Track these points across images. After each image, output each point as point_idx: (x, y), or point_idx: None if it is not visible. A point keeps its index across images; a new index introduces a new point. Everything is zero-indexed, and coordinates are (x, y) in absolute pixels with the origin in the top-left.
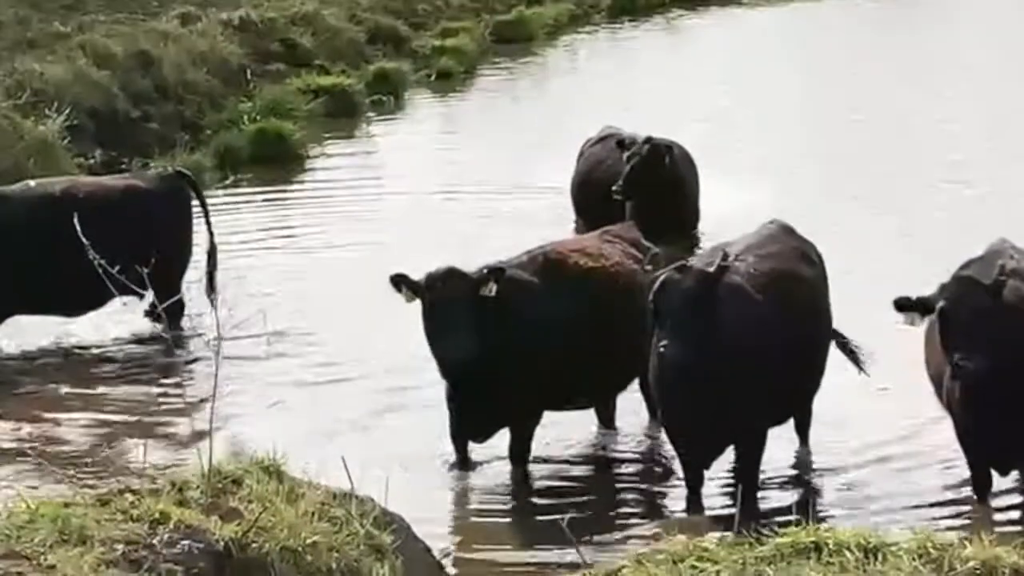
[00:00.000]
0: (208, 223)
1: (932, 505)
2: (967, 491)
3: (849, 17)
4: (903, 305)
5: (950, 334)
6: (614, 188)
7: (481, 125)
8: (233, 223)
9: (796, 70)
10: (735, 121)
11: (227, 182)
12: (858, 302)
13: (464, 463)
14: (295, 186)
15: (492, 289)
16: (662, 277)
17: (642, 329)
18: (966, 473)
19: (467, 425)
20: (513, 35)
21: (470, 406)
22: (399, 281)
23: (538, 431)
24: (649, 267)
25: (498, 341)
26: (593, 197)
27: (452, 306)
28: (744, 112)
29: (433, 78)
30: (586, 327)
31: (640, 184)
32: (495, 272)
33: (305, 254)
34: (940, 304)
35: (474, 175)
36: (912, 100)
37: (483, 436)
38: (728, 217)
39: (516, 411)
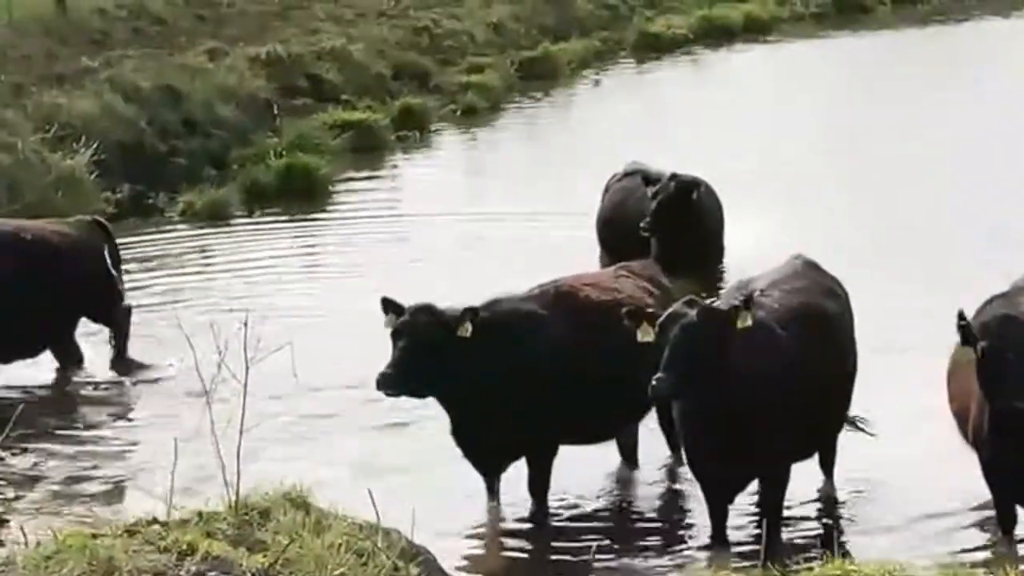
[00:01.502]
0: (119, 274)
1: (958, 539)
2: (993, 526)
3: (877, 51)
4: (961, 320)
5: (993, 373)
6: (642, 225)
7: (506, 161)
8: (260, 257)
9: (824, 105)
10: (761, 156)
11: (254, 216)
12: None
13: (491, 495)
14: (321, 221)
15: (468, 329)
16: (669, 311)
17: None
18: (992, 508)
19: (471, 458)
20: (539, 71)
21: (470, 440)
22: (385, 304)
23: (560, 465)
24: (628, 322)
25: (495, 374)
26: (618, 232)
27: (409, 337)
28: (770, 147)
29: (459, 113)
30: (594, 360)
31: (667, 220)
32: (470, 312)
33: (331, 287)
34: (982, 344)
35: (499, 210)
36: (942, 137)
37: (490, 470)
38: (753, 252)
39: (527, 445)
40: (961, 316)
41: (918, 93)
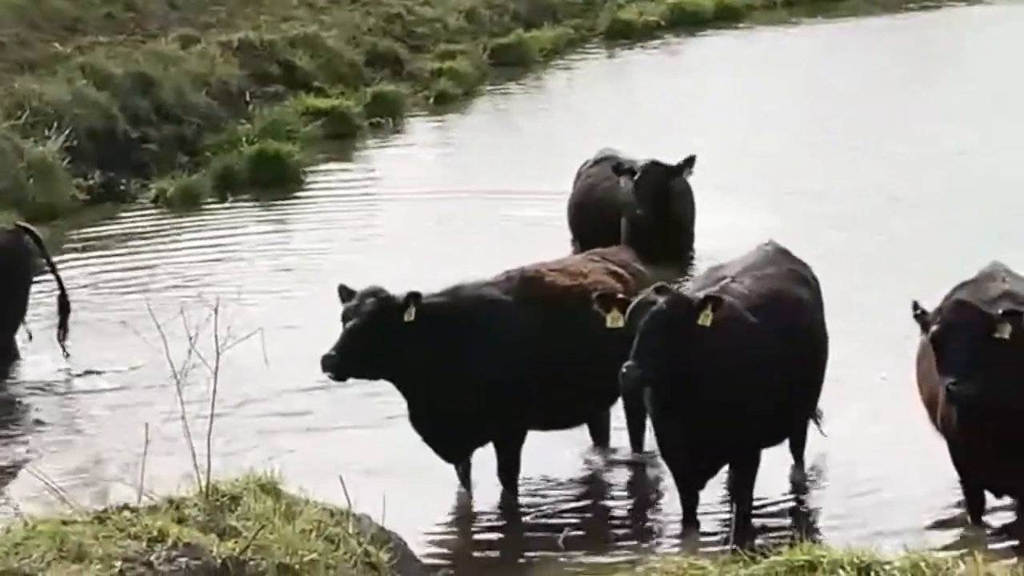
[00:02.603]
0: (56, 275)
1: (927, 526)
2: (961, 512)
3: (848, 39)
4: (915, 310)
5: (943, 358)
6: (639, 212)
7: (479, 147)
8: (232, 244)
9: (795, 92)
10: (731, 143)
11: (226, 203)
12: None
13: (462, 481)
14: (293, 207)
15: (411, 314)
16: (638, 298)
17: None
18: (960, 494)
19: (431, 444)
20: (511, 58)
21: (429, 427)
22: (342, 292)
23: (534, 450)
24: (597, 307)
25: (454, 360)
26: (589, 219)
27: (354, 321)
28: (741, 134)
29: (431, 100)
30: (559, 346)
31: (652, 203)
32: (413, 297)
33: (303, 274)
34: (933, 328)
35: (471, 196)
36: (915, 124)
37: (452, 457)
38: (724, 239)
39: (490, 432)
40: (915, 306)
41: (890, 81)
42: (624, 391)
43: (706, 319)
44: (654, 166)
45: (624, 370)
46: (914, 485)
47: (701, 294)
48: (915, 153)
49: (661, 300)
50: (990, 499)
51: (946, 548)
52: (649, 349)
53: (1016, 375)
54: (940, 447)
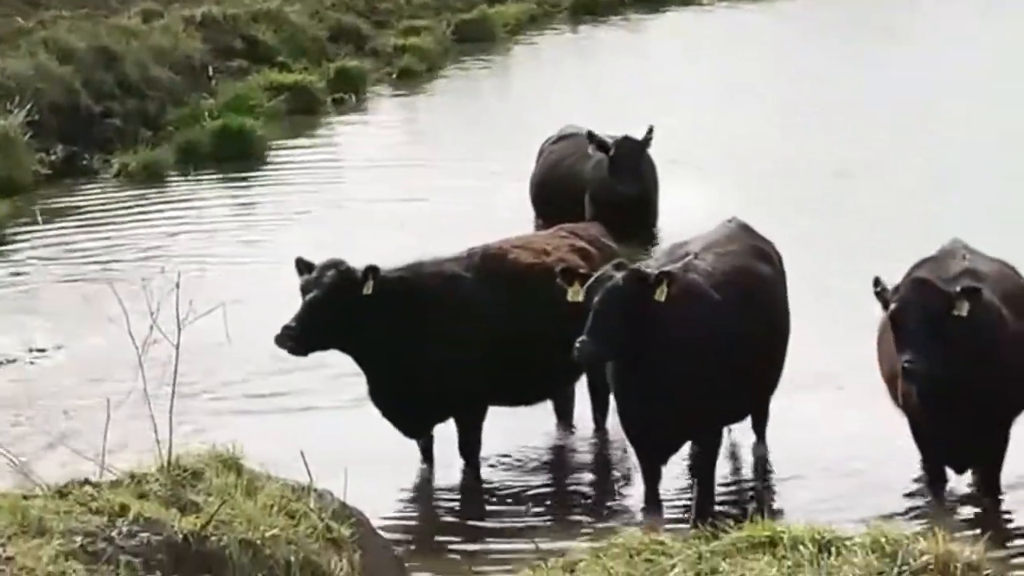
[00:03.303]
0: None
1: (888, 503)
2: (922, 488)
3: (814, 14)
4: (876, 287)
5: (901, 336)
6: (621, 189)
7: (442, 123)
8: (194, 218)
9: (758, 69)
10: (694, 120)
11: (189, 178)
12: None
13: (424, 457)
14: (256, 182)
15: (370, 287)
16: (597, 273)
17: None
18: (921, 471)
19: (390, 419)
20: (475, 34)
21: (388, 402)
22: (299, 265)
23: (497, 426)
24: (560, 281)
25: (413, 336)
26: (553, 195)
27: (313, 293)
28: (704, 111)
29: (395, 76)
30: (519, 323)
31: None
32: (371, 270)
33: (264, 249)
34: (892, 306)
35: (434, 173)
36: (879, 101)
37: (411, 433)
38: (687, 216)
39: (450, 408)
40: (876, 282)
41: (850, 57)
42: (581, 366)
43: (661, 295)
44: (629, 140)
45: (577, 345)
46: (876, 462)
47: (657, 270)
48: (881, 130)
49: (617, 276)
50: (951, 476)
51: (908, 525)
52: (602, 325)
53: (974, 352)
54: (902, 425)
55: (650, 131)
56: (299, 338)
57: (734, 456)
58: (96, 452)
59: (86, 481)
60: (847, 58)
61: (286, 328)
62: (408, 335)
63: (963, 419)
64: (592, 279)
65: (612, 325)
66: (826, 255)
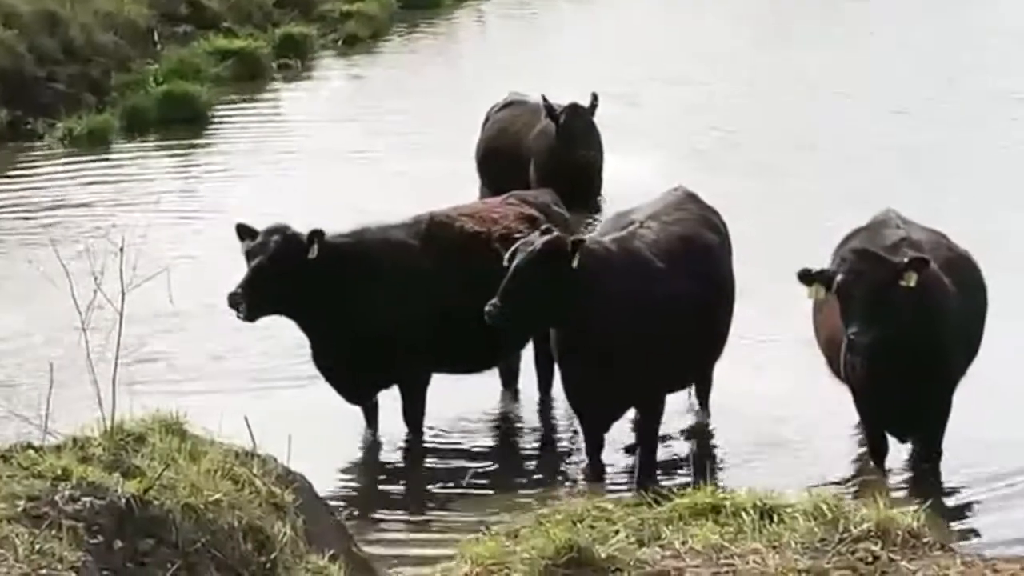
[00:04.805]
0: None
1: (830, 470)
2: (864, 457)
3: None
4: (806, 277)
5: (845, 308)
6: (582, 153)
7: (387, 90)
8: (140, 184)
9: (705, 38)
10: (640, 88)
11: (134, 143)
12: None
13: (368, 423)
14: (201, 147)
15: (314, 251)
16: (522, 239)
17: None
18: (863, 439)
19: (333, 385)
20: (421, 1)
21: (331, 368)
22: (240, 230)
23: (441, 394)
24: (498, 247)
25: (356, 302)
26: (498, 163)
27: (258, 258)
28: (650, 79)
29: (340, 43)
30: (463, 290)
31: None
32: (316, 234)
33: (209, 215)
34: (837, 278)
35: (379, 139)
36: (824, 67)
37: (355, 398)
38: (631, 184)
39: (393, 374)
40: (804, 274)
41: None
42: (527, 335)
43: (572, 261)
44: (578, 108)
45: (488, 308)
46: (818, 431)
47: (572, 238)
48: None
49: (537, 242)
50: (893, 445)
51: (849, 492)
52: (513, 288)
53: (919, 320)
54: (844, 394)
55: (595, 98)
56: (246, 304)
57: (678, 424)
58: (38, 416)
59: (28, 445)
60: (825, 24)
61: (232, 295)
62: (353, 300)
63: (907, 387)
64: (517, 244)
65: (520, 288)
66: (773, 226)
